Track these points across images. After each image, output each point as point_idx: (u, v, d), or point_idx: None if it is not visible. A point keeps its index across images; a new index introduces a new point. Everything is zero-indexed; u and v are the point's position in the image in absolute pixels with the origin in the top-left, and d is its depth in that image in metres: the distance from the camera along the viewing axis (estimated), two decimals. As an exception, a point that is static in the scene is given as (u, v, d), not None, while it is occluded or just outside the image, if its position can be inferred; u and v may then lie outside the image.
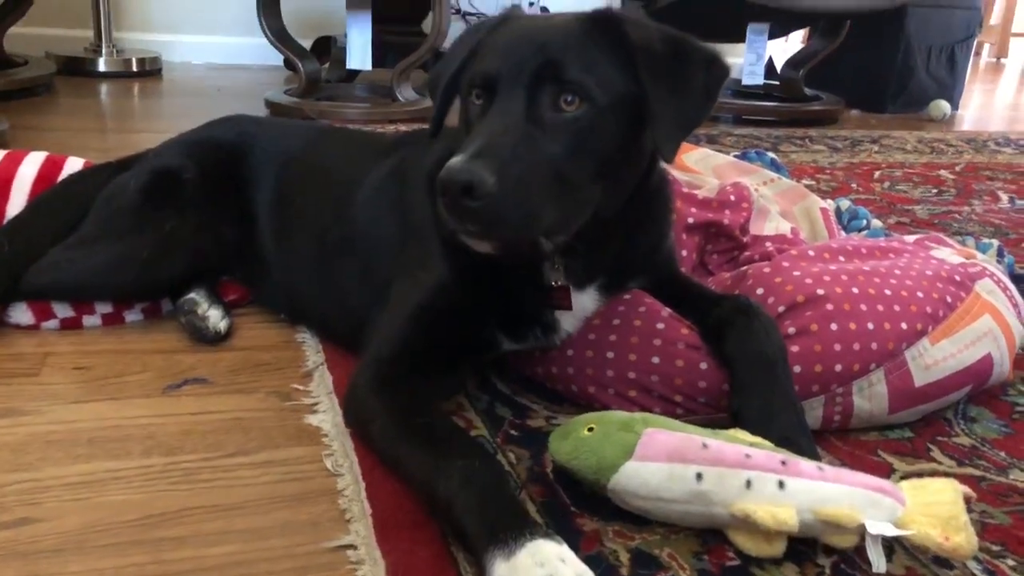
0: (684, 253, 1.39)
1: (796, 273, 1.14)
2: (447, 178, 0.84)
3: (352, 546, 0.85)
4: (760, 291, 1.14)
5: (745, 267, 1.23)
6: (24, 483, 0.91)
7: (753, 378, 1.01)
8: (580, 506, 0.92)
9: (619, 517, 0.89)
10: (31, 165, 1.42)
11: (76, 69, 3.43)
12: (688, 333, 1.09)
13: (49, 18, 3.43)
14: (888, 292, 1.13)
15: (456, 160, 0.85)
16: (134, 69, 3.55)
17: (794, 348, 1.06)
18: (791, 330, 1.08)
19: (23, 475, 0.92)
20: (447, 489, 0.84)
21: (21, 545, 0.82)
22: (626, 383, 1.09)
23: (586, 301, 1.10)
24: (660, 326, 1.10)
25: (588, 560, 0.78)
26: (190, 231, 1.30)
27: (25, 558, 0.80)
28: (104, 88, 3.27)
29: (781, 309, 1.11)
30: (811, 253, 1.23)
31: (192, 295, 1.28)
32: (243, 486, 0.94)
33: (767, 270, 1.17)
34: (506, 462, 0.99)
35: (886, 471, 1.02)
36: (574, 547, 0.83)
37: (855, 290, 1.11)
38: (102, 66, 3.49)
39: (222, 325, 1.27)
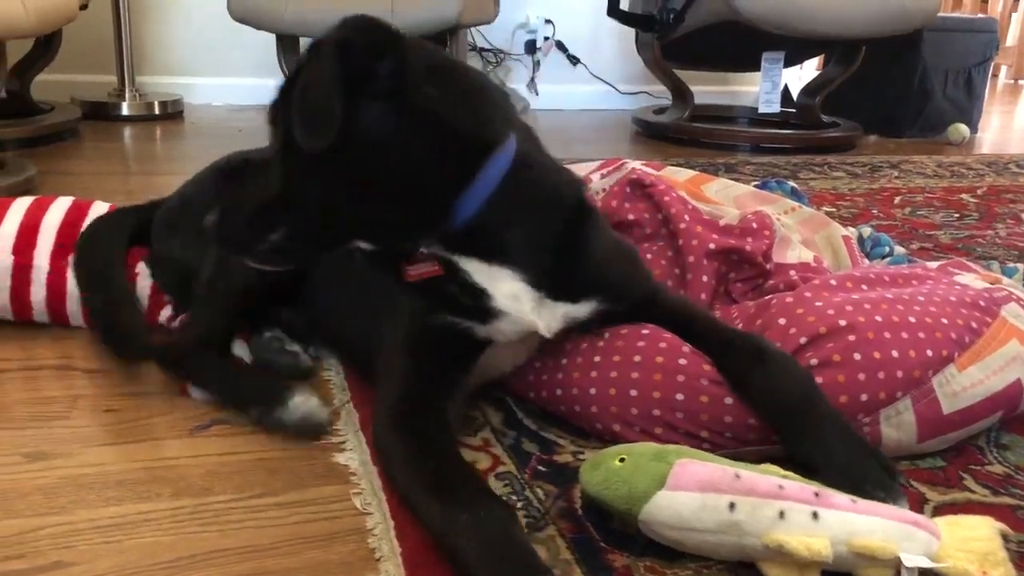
0: (704, 279, 1.39)
1: (818, 304, 1.14)
2: None
3: (383, 586, 0.85)
4: (782, 321, 1.14)
5: (770, 296, 1.23)
6: (57, 526, 0.92)
7: (801, 426, 1.02)
8: (610, 542, 0.91)
9: (650, 552, 0.89)
10: (58, 211, 1.45)
11: (100, 114, 3.49)
12: (711, 369, 1.09)
13: (73, 64, 3.49)
14: (912, 319, 1.12)
15: None
16: (156, 112, 3.60)
17: (818, 380, 1.06)
18: (813, 361, 1.07)
19: (56, 518, 0.93)
20: (454, 541, 0.85)
21: (55, 589, 0.82)
22: (651, 420, 1.08)
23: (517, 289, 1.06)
24: (682, 362, 1.10)
25: (620, 597, 0.77)
26: None
27: (59, 602, 0.81)
28: (128, 132, 3.32)
29: (803, 340, 1.10)
30: (834, 282, 1.22)
31: (271, 333, 1.31)
32: (273, 527, 0.94)
33: (790, 300, 1.16)
34: (534, 498, 0.99)
35: (919, 501, 1.01)
36: (606, 584, 0.83)
37: (878, 318, 1.11)
38: (125, 110, 3.54)
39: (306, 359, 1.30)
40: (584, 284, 1.12)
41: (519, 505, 0.97)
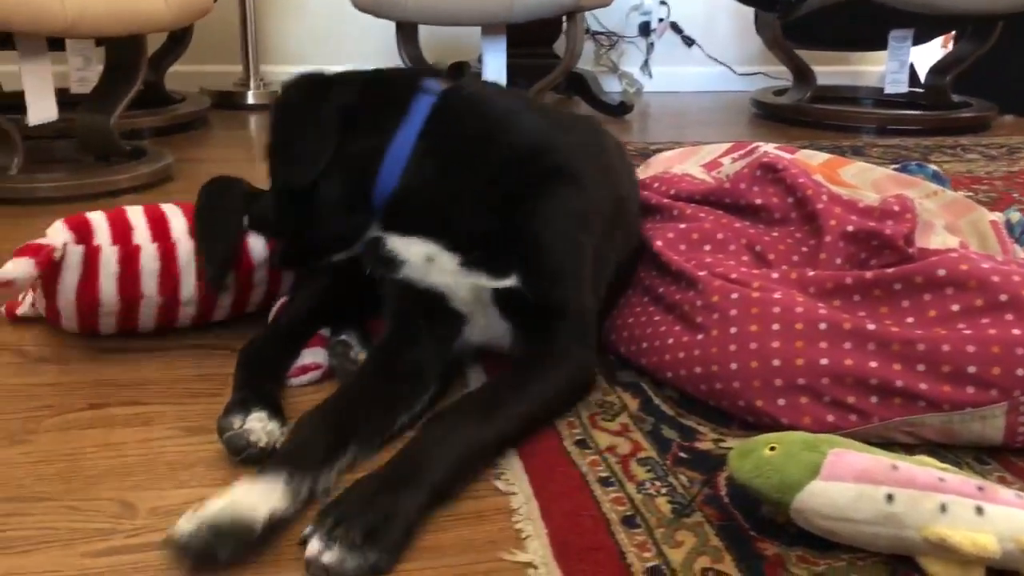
0: (838, 261, 1.35)
1: (984, 265, 1.12)
2: None
3: (532, 564, 0.86)
4: (950, 291, 1.11)
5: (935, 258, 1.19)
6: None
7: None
8: (760, 530, 0.90)
9: (801, 542, 0.87)
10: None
11: (227, 103, 3.61)
12: (851, 329, 1.07)
13: (202, 55, 3.62)
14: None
15: None
16: (280, 101, 3.71)
17: (970, 348, 1.03)
18: (967, 332, 1.05)
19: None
20: None
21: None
22: (796, 390, 1.07)
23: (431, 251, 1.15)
24: (823, 326, 1.08)
25: (778, 586, 0.76)
26: None
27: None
28: (253, 120, 3.44)
29: (955, 308, 1.08)
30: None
31: (344, 337, 1.26)
32: (421, 504, 0.96)
33: (964, 267, 1.13)
34: (678, 484, 0.99)
35: (1085, 499, 0.96)
36: (757, 572, 0.83)
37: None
38: (251, 99, 3.66)
39: None
40: (507, 260, 1.12)
41: (663, 491, 0.97)
